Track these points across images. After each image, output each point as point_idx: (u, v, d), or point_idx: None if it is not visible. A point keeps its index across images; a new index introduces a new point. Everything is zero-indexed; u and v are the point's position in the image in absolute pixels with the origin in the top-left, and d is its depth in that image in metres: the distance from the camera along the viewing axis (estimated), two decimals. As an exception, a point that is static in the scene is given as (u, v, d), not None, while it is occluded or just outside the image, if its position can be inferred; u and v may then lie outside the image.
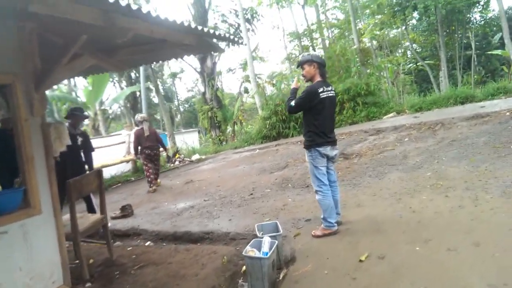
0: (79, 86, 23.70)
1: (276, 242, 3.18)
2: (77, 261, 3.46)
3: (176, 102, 47.30)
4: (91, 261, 3.84)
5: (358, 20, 21.90)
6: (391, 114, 12.12)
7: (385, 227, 3.53)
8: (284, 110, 12.71)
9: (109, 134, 18.50)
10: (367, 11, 22.23)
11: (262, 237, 3.32)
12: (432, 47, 22.38)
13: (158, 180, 8.11)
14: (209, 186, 7.20)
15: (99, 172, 3.52)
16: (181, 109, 46.03)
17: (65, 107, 13.07)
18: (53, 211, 3.06)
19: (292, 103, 3.73)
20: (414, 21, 23.17)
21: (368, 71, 15.77)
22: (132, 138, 8.35)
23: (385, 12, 17.66)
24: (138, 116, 8.15)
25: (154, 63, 4.30)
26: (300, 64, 3.79)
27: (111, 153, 9.62)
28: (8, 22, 2.74)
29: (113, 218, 5.77)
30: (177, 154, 11.60)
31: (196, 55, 18.23)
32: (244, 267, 3.24)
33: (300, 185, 6.05)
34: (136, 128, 8.30)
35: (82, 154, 5.21)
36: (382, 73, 17.84)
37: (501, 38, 17.98)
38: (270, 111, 14.23)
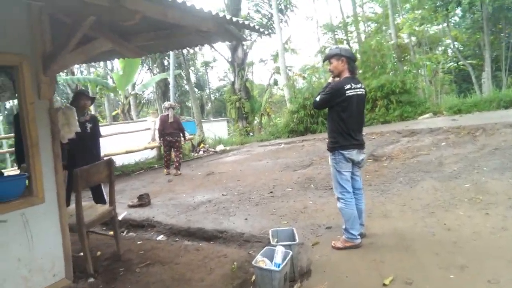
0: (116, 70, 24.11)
1: (291, 253, 2.89)
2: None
3: (207, 91, 47.56)
4: (98, 253, 3.70)
5: (397, 14, 20.84)
6: (427, 115, 11.42)
7: (414, 245, 3.15)
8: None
9: (140, 118, 18.74)
10: (407, 5, 21.10)
11: (275, 245, 3.05)
12: (475, 46, 21.00)
13: (179, 172, 8.21)
14: (229, 180, 6.98)
15: (109, 161, 3.35)
16: (212, 98, 46.23)
17: (96, 91, 13.29)
18: (57, 200, 2.92)
19: (318, 97, 3.41)
20: (456, 18, 21.83)
21: (405, 68, 14.95)
22: (157, 125, 8.62)
23: (426, 7, 16.63)
24: (166, 103, 8.61)
25: (177, 50, 4.09)
26: (327, 58, 3.44)
27: (137, 139, 9.60)
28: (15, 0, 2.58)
29: (130, 206, 5.68)
30: (202, 144, 11.48)
31: (228, 44, 18.03)
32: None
33: (323, 186, 5.71)
34: (162, 114, 8.65)
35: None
36: (420, 70, 16.90)
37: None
38: (298, 105, 13.83)
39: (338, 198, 3.41)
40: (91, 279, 3.10)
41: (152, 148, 9.52)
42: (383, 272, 2.75)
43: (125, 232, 4.93)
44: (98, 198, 5.26)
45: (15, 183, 2.63)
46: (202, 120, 29.08)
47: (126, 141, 9.25)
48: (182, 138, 8.48)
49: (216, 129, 19.43)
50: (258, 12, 20.30)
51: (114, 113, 22.47)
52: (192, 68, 39.57)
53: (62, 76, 11.52)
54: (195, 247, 3.78)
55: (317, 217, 4.38)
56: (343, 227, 3.41)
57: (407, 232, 3.47)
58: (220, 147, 11.41)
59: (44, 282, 2.80)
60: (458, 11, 17.48)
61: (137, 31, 3.64)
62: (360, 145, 3.39)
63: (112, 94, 18.36)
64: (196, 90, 45.58)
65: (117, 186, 7.43)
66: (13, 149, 4.87)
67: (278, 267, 2.64)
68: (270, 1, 18.56)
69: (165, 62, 22.91)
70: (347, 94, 3.24)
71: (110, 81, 17.44)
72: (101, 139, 7.83)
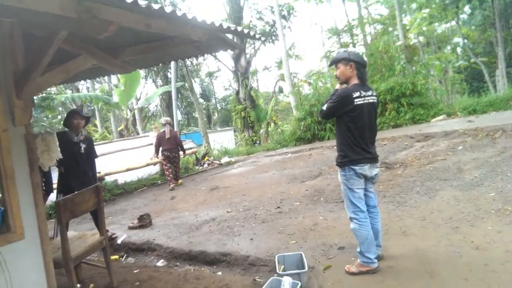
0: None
1: (299, 284, 2.57)
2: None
3: (213, 101, 47.54)
4: (91, 286, 3.41)
5: (404, 15, 20.50)
6: (441, 117, 10.99)
7: (439, 269, 2.80)
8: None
9: (145, 133, 18.57)
10: (414, 5, 20.74)
11: (282, 274, 2.73)
12: (487, 44, 20.48)
13: (180, 181, 8.46)
14: (234, 195, 6.67)
15: (96, 188, 3.08)
16: (219, 107, 46.20)
17: (98, 107, 13.11)
18: (39, 235, 2.63)
19: (324, 106, 3.09)
20: (464, 16, 21.37)
21: (414, 69, 14.55)
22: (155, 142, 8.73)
23: (434, 6, 16.25)
24: (162, 119, 8.76)
25: (169, 62, 3.82)
26: (334, 62, 3.13)
27: (139, 155, 9.37)
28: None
29: (130, 228, 5.40)
30: (206, 157, 11.21)
31: (231, 53, 17.86)
32: (259, 312, 2.66)
33: (333, 199, 5.36)
34: (159, 130, 8.78)
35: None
36: (430, 71, 16.47)
37: None
38: (305, 112, 13.51)
39: (351, 218, 3.08)
40: (80, 319, 2.81)
41: (154, 164, 9.26)
42: (406, 305, 2.40)
43: (124, 257, 4.65)
44: (95, 221, 5.00)
45: (-13, 219, 2.35)
46: (209, 131, 28.93)
47: (128, 157, 9.02)
48: (182, 153, 8.72)
49: (224, 139, 19.22)
50: (261, 19, 20.17)
51: (120, 129, 22.41)
52: (197, 79, 39.64)
53: (63, 94, 11.40)
54: (195, 275, 3.47)
55: (329, 235, 4.04)
56: (358, 250, 3.07)
57: (430, 252, 3.11)
58: (225, 159, 11.12)
59: (27, 327, 2.52)
60: (467, 8, 17.03)
61: (124, 45, 3.39)
62: (373, 159, 3.06)
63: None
64: (202, 100, 45.74)
65: (118, 206, 7.22)
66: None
67: (285, 303, 2.33)
68: (272, 8, 18.41)
69: (168, 75, 22.80)
70: (355, 103, 2.92)
71: (115, 97, 17.41)
72: (101, 158, 7.66)
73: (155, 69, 19.70)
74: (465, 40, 20.60)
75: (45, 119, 19.68)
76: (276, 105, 20.19)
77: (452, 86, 21.39)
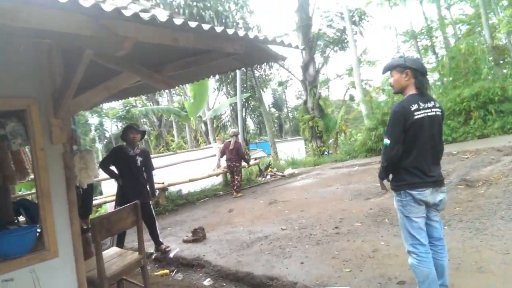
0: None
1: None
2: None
3: (285, 110, 47.62)
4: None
5: (492, 13, 18.26)
6: (537, 126, 9.41)
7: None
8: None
9: (215, 142, 19.11)
10: (504, 2, 18.36)
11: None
12: None
13: (239, 194, 8.68)
14: (292, 210, 6.34)
15: (135, 206, 3.04)
16: (290, 117, 46.13)
17: (169, 118, 13.82)
18: (74, 253, 2.64)
19: (386, 139, 2.56)
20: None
21: (505, 71, 12.78)
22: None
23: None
24: (230, 131, 9.37)
25: (209, 77, 3.72)
26: (388, 70, 2.70)
27: (203, 166, 9.55)
28: (22, 39, 2.41)
29: (185, 241, 5.40)
30: (270, 168, 11.04)
31: (299, 63, 17.62)
32: None
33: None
34: (226, 140, 9.32)
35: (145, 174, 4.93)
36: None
37: None
38: (376, 121, 12.65)
39: (409, 252, 2.60)
40: None
41: (217, 175, 9.36)
42: None
43: (174, 272, 4.62)
44: (151, 235, 5.09)
45: (22, 237, 2.41)
46: (279, 140, 28.87)
47: (192, 168, 9.25)
48: (245, 163, 9.27)
49: (294, 148, 18.91)
50: (331, 26, 19.58)
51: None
52: (268, 89, 40.04)
53: (137, 108, 12.18)
54: (235, 302, 3.24)
55: (389, 265, 3.53)
56: (417, 290, 2.57)
57: (514, 301, 2.48)
58: (288, 171, 10.82)
59: None
60: None
61: (167, 61, 3.36)
62: (436, 183, 2.55)
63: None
64: (274, 110, 46.09)
65: (179, 217, 7.35)
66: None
67: None
68: (342, 14, 17.78)
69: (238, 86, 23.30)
70: (415, 117, 2.47)
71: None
72: (165, 169, 7.95)
73: (228, 80, 20.25)
74: None
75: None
76: (346, 114, 19.35)
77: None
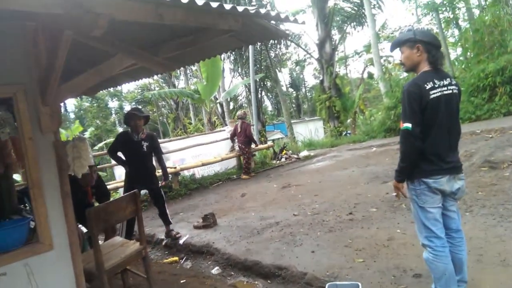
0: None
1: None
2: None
3: (303, 90, 46.86)
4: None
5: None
6: None
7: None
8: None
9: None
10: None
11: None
12: None
13: (245, 176, 8.76)
14: (305, 195, 6.15)
15: (134, 195, 2.91)
16: (309, 96, 45.38)
17: (184, 101, 13.67)
18: (69, 245, 2.55)
19: (406, 123, 2.24)
20: None
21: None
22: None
23: None
24: (238, 113, 9.31)
25: (209, 58, 3.49)
26: (396, 46, 2.41)
27: (217, 149, 9.43)
28: (5, 22, 2.26)
29: (195, 227, 5.32)
30: (284, 150, 10.82)
31: (314, 40, 17.03)
32: None
33: (418, 207, 4.49)
34: (236, 123, 9.25)
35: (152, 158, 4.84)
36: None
37: None
38: (396, 99, 12.14)
39: (424, 245, 2.38)
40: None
41: (229, 158, 9.24)
42: None
43: (183, 259, 4.55)
44: (161, 216, 5.04)
45: (14, 230, 2.32)
46: (297, 121, 28.44)
47: (207, 151, 9.15)
48: (254, 145, 9.35)
49: (312, 129, 18.57)
50: (348, 0, 18.76)
51: (213, 119, 23.33)
52: (286, 68, 39.32)
53: (150, 91, 12.05)
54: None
55: (405, 255, 3.32)
56: (433, 286, 2.36)
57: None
58: (303, 153, 10.58)
59: None
60: None
61: (162, 41, 3.16)
62: (453, 169, 2.30)
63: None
64: (291, 90, 45.41)
65: (192, 201, 7.29)
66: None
67: None
68: (359, -14, 16.97)
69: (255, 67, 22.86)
70: (431, 96, 2.20)
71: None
72: (178, 153, 7.86)
73: (243, 61, 19.87)
74: None
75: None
76: (365, 93, 18.76)
77: None
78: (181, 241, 4.89)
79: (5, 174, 3.41)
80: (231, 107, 24.28)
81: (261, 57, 18.29)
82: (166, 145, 8.29)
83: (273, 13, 2.29)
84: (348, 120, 16.78)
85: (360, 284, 2.54)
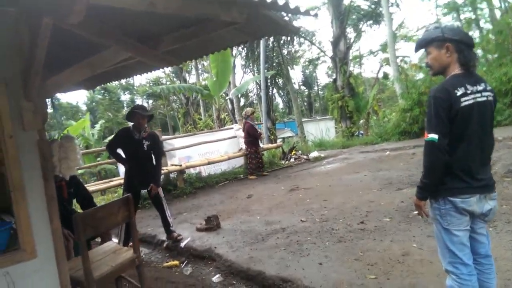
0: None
1: None
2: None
3: (315, 88, 46.37)
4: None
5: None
6: None
7: None
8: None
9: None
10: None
11: None
12: None
13: (252, 177, 8.53)
14: (314, 199, 5.88)
15: (127, 199, 2.68)
16: (321, 95, 44.91)
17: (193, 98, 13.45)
18: (55, 253, 2.33)
19: (431, 134, 1.94)
20: None
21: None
22: (242, 134, 8.86)
23: None
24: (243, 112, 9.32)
25: (212, 52, 3.23)
26: (422, 46, 2.12)
27: (222, 148, 9.18)
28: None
29: (198, 229, 5.10)
30: (294, 151, 10.52)
31: (329, 38, 16.62)
32: None
33: (435, 219, 4.18)
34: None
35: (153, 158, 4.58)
36: None
37: None
38: (412, 101, 11.78)
39: (447, 271, 2.09)
40: None
41: (236, 157, 9.00)
42: None
43: (184, 263, 4.33)
44: (161, 220, 4.82)
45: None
46: (308, 119, 28.05)
47: (213, 150, 8.92)
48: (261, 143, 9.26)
49: (323, 128, 18.18)
50: (365, -3, 18.27)
51: (223, 116, 23.07)
52: (299, 66, 38.87)
53: (159, 86, 11.85)
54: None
55: (421, 274, 3.03)
56: (457, 319, 2.08)
57: None
58: (313, 154, 10.28)
59: None
60: None
61: (160, 34, 2.90)
62: (485, 188, 2.01)
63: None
64: (303, 88, 44.95)
65: (196, 201, 7.07)
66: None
67: None
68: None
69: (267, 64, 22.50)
70: (461, 104, 1.91)
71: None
72: (184, 150, 7.63)
73: (254, 57, 19.59)
74: None
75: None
76: (380, 93, 18.30)
77: None
78: (182, 244, 4.66)
79: None
80: (242, 103, 24.05)
81: (273, 54, 17.99)
82: (172, 142, 8.10)
83: (281, 2, 2.01)
84: (361, 121, 16.38)
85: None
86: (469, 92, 1.92)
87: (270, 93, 19.97)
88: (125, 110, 45.25)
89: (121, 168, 7.68)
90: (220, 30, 2.44)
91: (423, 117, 11.23)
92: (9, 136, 2.14)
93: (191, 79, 31.23)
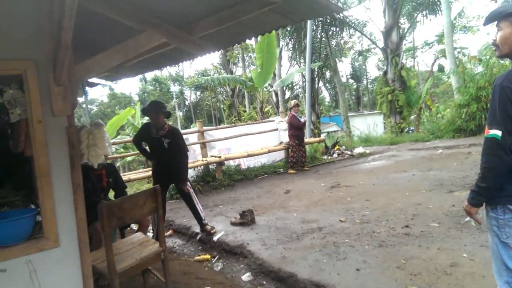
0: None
1: None
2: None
3: (365, 81, 44.78)
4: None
5: None
6: None
7: None
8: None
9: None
10: None
11: None
12: None
13: (290, 170, 8.33)
14: (356, 198, 5.55)
15: (154, 191, 2.60)
16: (371, 89, 43.39)
17: (238, 90, 13.34)
18: (78, 243, 2.30)
19: (494, 130, 1.66)
20: None
21: None
22: (284, 126, 8.74)
23: None
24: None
25: (250, 38, 3.05)
26: (493, 20, 1.78)
27: (263, 140, 8.99)
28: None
29: (232, 223, 5.00)
30: (337, 146, 10.10)
31: (380, 28, 15.77)
32: None
33: (492, 228, 3.72)
34: None
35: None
36: None
37: None
38: (469, 96, 10.86)
39: (503, 290, 1.78)
40: None
41: (277, 150, 8.79)
42: None
43: (215, 258, 4.25)
44: (193, 213, 4.78)
45: (18, 223, 2.11)
46: (355, 114, 27.11)
47: (254, 142, 8.78)
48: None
49: (371, 123, 17.42)
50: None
51: (265, 110, 22.93)
52: (349, 58, 37.61)
53: (203, 77, 11.90)
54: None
55: (471, 290, 2.68)
56: None
57: None
58: (358, 150, 9.80)
59: None
60: None
61: (195, 18, 2.78)
62: None
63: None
64: (352, 81, 43.55)
65: (234, 193, 7.00)
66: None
67: None
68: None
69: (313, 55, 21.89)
70: None
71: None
72: (224, 142, 7.57)
73: (301, 48, 19.14)
74: None
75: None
76: (434, 87, 17.14)
77: None
78: (215, 238, 4.59)
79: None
80: (287, 96, 23.71)
81: (320, 45, 17.42)
82: (212, 133, 8.07)
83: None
84: (412, 117, 15.44)
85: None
86: None
87: (316, 86, 19.46)
88: (174, 101, 46.76)
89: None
90: (257, 11, 2.25)
91: (480, 114, 10.34)
92: (37, 121, 2.12)
93: (238, 71, 31.40)
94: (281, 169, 8.58)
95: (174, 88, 47.69)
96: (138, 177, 6.78)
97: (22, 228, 2.13)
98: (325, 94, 41.47)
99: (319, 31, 17.05)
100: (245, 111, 26.66)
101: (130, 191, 5.18)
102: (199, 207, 4.67)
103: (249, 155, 8.06)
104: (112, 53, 2.40)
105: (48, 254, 2.20)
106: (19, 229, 2.11)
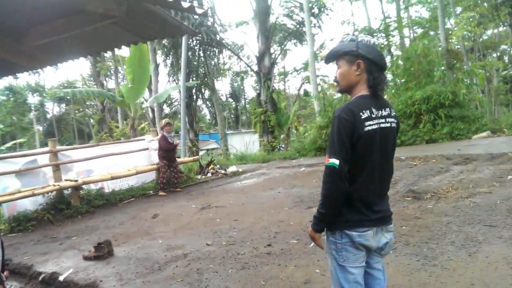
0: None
1: None
2: None
3: (243, 101, 46.74)
4: None
5: (447, 18, 18.60)
6: (484, 134, 9.38)
7: None
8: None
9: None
10: (459, 8, 18.74)
11: None
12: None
13: (160, 193, 8.00)
14: (225, 219, 5.53)
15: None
16: (248, 108, 45.55)
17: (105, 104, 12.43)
18: None
19: (332, 159, 1.71)
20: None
21: (455, 76, 12.81)
22: (155, 145, 8.31)
23: (486, 4, 14.33)
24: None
25: (95, 54, 2.76)
26: (333, 58, 1.92)
27: (132, 161, 8.33)
28: None
29: (85, 258, 4.40)
30: (212, 165, 10.13)
31: (255, 53, 16.70)
32: None
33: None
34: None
35: None
36: (474, 80, 14.58)
37: None
38: (328, 119, 12.18)
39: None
40: None
41: (146, 171, 8.29)
42: None
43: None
44: None
45: None
46: (233, 132, 27.92)
47: (122, 163, 8.05)
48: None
49: (248, 141, 18.05)
50: (289, 17, 18.83)
51: (140, 127, 21.77)
52: (228, 78, 38.88)
53: (64, 89, 10.68)
54: None
55: (320, 306, 2.82)
56: None
57: None
58: (231, 169, 9.99)
59: None
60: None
61: (27, 26, 2.34)
62: (382, 220, 1.84)
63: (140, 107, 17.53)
64: (231, 100, 45.03)
65: (93, 221, 6.25)
66: None
67: None
68: (301, 4, 17.09)
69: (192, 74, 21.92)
70: (365, 128, 1.71)
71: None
72: (85, 163, 6.74)
73: (179, 66, 18.88)
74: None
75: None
76: (301, 110, 18.89)
77: (496, 97, 19.18)
78: (61, 277, 3.95)
79: None
80: (166, 112, 23.02)
81: (198, 64, 17.54)
82: (69, 153, 7.12)
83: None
84: (282, 136, 16.66)
85: None
86: (373, 116, 1.74)
87: (195, 104, 19.42)
88: (32, 114, 40.91)
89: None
90: (97, 23, 1.98)
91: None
92: None
93: (111, 83, 29.25)
94: (151, 191, 8.09)
95: (33, 99, 41.97)
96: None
97: None
98: (206, 112, 41.93)
99: (196, 50, 17.17)
100: (117, 127, 24.89)
101: None
102: None
103: (113, 178, 7.33)
104: None
105: None
106: None
